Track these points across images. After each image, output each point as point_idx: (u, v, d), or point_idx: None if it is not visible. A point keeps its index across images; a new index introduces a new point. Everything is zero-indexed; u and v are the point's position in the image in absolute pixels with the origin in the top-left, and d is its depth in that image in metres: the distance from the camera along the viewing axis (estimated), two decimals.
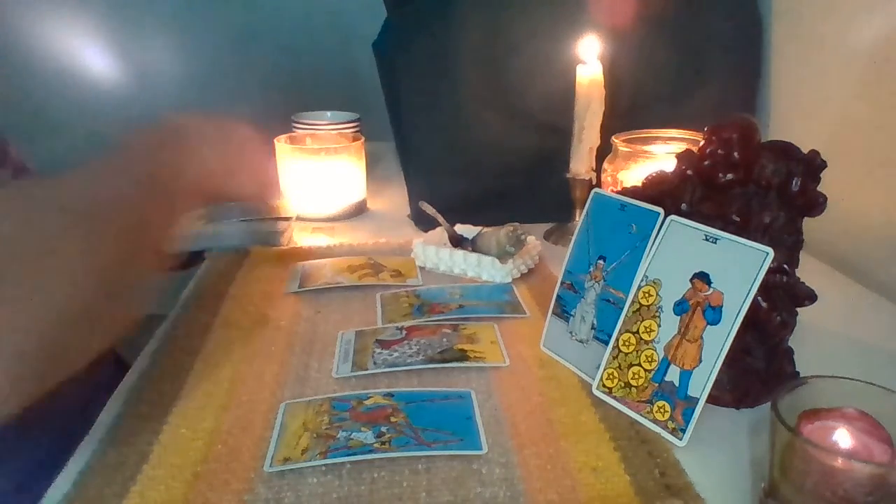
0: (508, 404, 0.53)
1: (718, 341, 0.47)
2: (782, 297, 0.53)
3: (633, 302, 0.53)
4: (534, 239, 0.79)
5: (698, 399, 0.47)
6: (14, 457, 0.62)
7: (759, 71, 0.99)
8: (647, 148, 0.79)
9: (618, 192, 0.58)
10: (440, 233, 0.83)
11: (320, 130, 1.10)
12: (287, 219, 0.92)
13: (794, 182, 0.52)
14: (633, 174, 0.78)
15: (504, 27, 0.91)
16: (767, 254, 0.46)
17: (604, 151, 0.84)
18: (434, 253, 0.79)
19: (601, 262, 0.57)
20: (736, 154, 0.53)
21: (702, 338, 0.48)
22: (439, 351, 0.60)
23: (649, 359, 0.51)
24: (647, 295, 0.52)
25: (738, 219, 0.52)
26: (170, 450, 0.48)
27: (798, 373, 0.55)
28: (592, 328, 0.57)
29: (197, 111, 0.64)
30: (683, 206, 0.55)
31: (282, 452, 0.47)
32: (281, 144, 0.96)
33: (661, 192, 0.56)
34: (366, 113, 1.16)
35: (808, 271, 0.56)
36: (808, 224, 0.54)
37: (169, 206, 0.53)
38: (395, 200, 1.04)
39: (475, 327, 0.65)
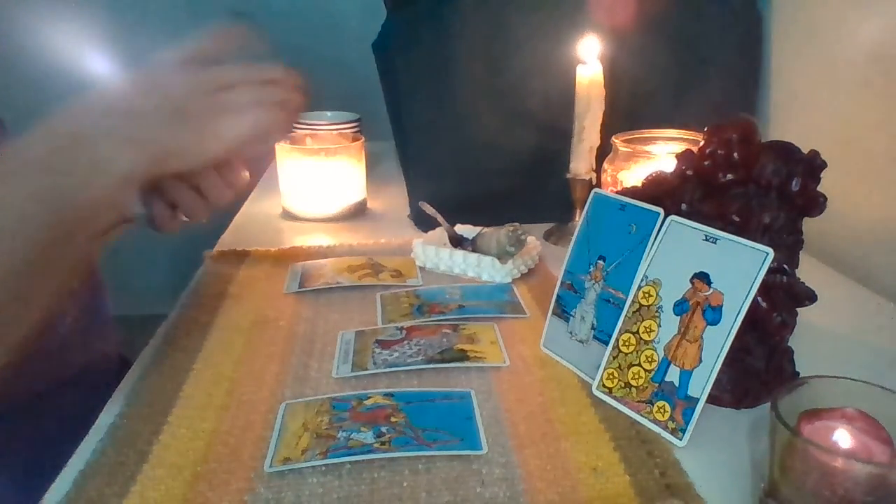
0: (508, 404, 0.53)
1: (718, 341, 0.47)
2: (782, 297, 0.52)
3: (633, 302, 0.53)
4: (534, 239, 0.79)
5: (698, 399, 0.47)
6: (14, 455, 0.62)
7: (760, 70, 0.99)
8: (647, 148, 0.79)
9: (618, 192, 0.58)
10: (440, 233, 0.83)
11: (320, 130, 1.09)
12: None
13: (794, 182, 0.52)
14: (633, 174, 0.77)
15: (504, 27, 0.91)
16: (767, 254, 0.46)
17: (604, 151, 0.84)
18: (434, 253, 0.79)
19: (601, 262, 0.57)
20: (736, 154, 0.53)
21: (702, 338, 0.48)
22: (439, 351, 0.60)
23: (649, 359, 0.51)
24: (647, 295, 0.52)
25: (737, 219, 0.52)
26: (170, 450, 0.48)
27: (798, 373, 0.55)
28: (592, 328, 0.57)
29: None
30: (683, 206, 0.55)
31: (282, 452, 0.47)
32: (281, 144, 0.96)
33: (661, 192, 0.56)
34: (366, 113, 1.16)
35: (808, 271, 0.56)
36: (808, 224, 0.54)
37: None
38: (395, 200, 1.04)
39: (475, 327, 0.65)
